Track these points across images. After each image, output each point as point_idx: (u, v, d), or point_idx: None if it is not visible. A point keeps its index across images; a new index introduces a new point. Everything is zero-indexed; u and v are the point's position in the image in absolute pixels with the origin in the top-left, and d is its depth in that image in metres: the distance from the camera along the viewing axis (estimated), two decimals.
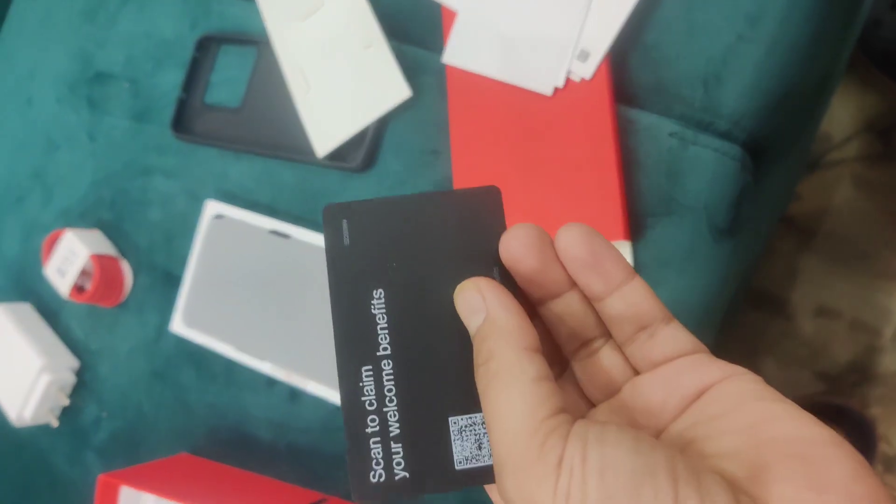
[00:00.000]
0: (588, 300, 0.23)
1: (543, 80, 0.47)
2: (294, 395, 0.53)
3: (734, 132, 0.47)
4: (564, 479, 0.17)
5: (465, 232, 0.23)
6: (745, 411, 0.19)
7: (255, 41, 0.59)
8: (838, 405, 0.78)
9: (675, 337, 0.22)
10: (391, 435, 0.22)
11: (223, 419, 0.56)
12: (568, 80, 0.47)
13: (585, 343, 0.24)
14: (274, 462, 0.54)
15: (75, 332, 0.62)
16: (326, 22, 0.55)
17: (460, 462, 0.22)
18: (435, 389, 0.22)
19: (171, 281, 0.59)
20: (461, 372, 0.22)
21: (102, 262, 0.59)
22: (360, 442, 0.22)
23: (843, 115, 0.83)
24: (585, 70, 0.47)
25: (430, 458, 0.22)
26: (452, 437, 0.22)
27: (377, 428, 0.22)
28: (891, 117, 0.81)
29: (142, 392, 0.59)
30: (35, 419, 0.59)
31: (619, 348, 0.23)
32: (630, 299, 0.22)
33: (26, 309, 0.63)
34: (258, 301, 0.54)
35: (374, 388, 0.22)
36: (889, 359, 0.79)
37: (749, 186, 0.47)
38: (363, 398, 0.22)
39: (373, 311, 0.23)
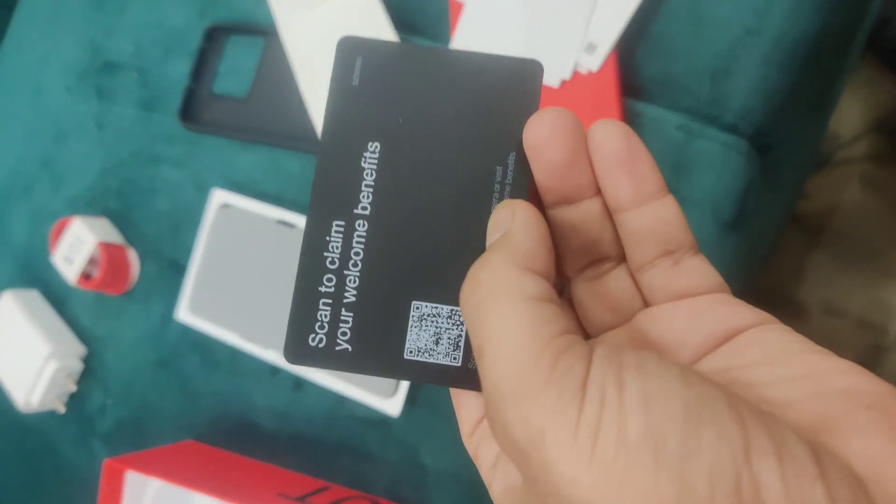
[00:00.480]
0: (609, 213, 0.20)
1: (551, 72, 0.47)
2: (298, 384, 0.54)
3: (741, 126, 0.47)
4: (592, 409, 0.14)
5: (489, 104, 0.20)
6: (797, 361, 0.17)
7: (263, 31, 0.59)
8: None
9: (702, 270, 0.19)
10: (345, 301, 0.20)
11: (227, 407, 0.56)
12: (575, 73, 0.47)
13: (594, 262, 0.21)
14: (277, 450, 0.54)
15: (82, 319, 0.63)
16: (335, 13, 0.55)
17: (411, 352, 0.19)
18: (406, 266, 0.20)
19: (177, 269, 0.59)
20: (441, 257, 0.20)
21: (109, 250, 0.59)
22: (309, 299, 0.20)
23: (851, 113, 0.82)
24: (593, 62, 0.47)
25: (380, 338, 0.20)
26: (410, 323, 0.20)
27: (332, 289, 0.20)
28: None
29: (147, 380, 0.59)
30: (42, 405, 0.60)
31: (632, 275, 0.20)
32: (660, 215, 0.19)
33: (34, 296, 0.64)
34: (264, 290, 0.54)
35: (341, 246, 0.20)
36: (895, 358, 0.79)
37: (755, 181, 0.47)
38: (326, 254, 0.20)
39: (363, 164, 0.20)
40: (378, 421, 0.51)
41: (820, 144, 0.78)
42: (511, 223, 0.18)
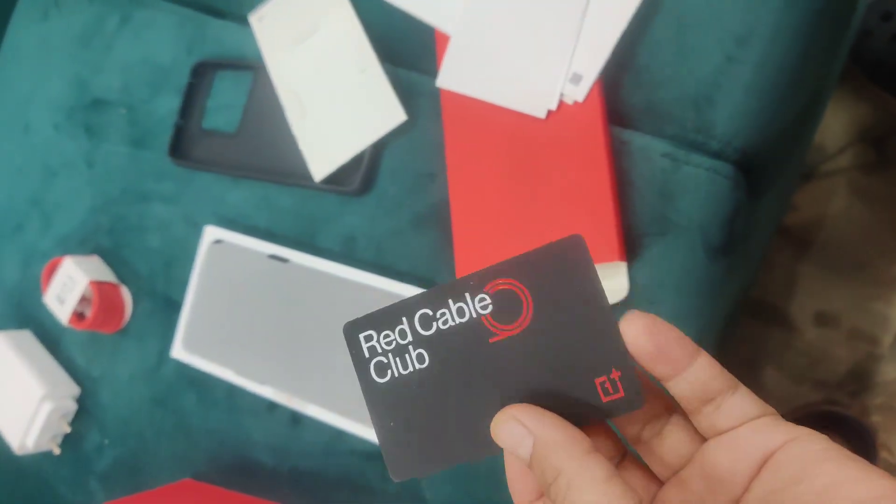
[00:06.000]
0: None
1: (537, 103, 0.48)
2: (295, 419, 0.54)
3: (726, 151, 0.47)
4: None
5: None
6: (817, 474, 0.20)
7: (250, 66, 0.59)
8: (838, 414, 0.78)
9: (740, 405, 0.22)
10: None
11: (225, 444, 0.56)
12: (561, 103, 0.48)
13: (649, 421, 0.24)
14: (277, 486, 0.54)
15: (76, 358, 0.63)
16: (321, 46, 0.56)
17: None
18: None
19: (171, 307, 0.59)
20: None
21: (102, 289, 0.59)
22: None
23: (835, 125, 0.83)
24: (578, 93, 0.47)
25: None
26: None
27: None
28: (883, 126, 0.82)
29: (143, 418, 0.59)
30: (37, 447, 0.59)
31: (686, 417, 0.23)
32: (694, 379, 0.22)
33: (27, 336, 0.64)
34: (258, 326, 0.54)
35: None
36: (888, 367, 0.80)
37: (742, 204, 0.48)
38: None
39: None
40: (377, 454, 0.51)
41: (805, 158, 0.79)
42: (530, 430, 0.21)
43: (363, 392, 0.24)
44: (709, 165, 0.46)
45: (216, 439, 0.56)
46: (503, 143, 0.49)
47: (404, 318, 0.24)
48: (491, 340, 0.23)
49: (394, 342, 0.24)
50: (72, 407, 0.61)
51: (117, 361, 0.61)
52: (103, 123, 0.66)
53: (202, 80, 0.61)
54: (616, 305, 0.46)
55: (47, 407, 0.59)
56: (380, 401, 0.24)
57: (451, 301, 0.24)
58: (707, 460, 0.22)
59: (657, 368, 0.22)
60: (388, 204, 0.53)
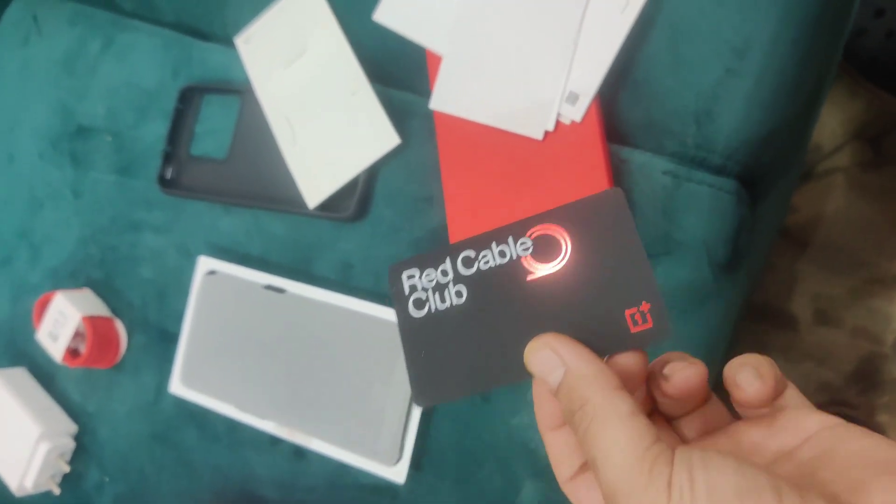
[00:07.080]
0: None
1: (533, 124, 0.47)
2: (299, 452, 0.52)
3: (728, 166, 0.46)
4: (675, 499, 0.19)
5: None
6: (842, 448, 0.21)
7: (238, 90, 0.58)
8: (845, 415, 0.78)
9: (789, 397, 0.23)
10: None
11: (228, 480, 0.55)
12: (558, 124, 0.46)
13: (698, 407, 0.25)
14: None
15: (72, 394, 0.61)
16: (310, 69, 0.54)
17: None
18: None
19: (166, 339, 0.58)
20: None
21: (95, 324, 0.57)
22: None
23: (832, 124, 0.82)
24: (575, 112, 0.46)
25: None
26: None
27: None
28: (879, 124, 0.81)
29: (143, 455, 0.58)
30: (36, 487, 0.58)
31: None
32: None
33: (21, 374, 0.62)
34: (257, 358, 0.53)
35: None
36: (893, 365, 0.79)
37: (746, 219, 0.47)
38: None
39: None
40: (383, 487, 0.50)
41: (804, 160, 0.78)
42: (563, 360, 0.22)
43: (399, 325, 0.26)
44: (711, 181, 0.45)
45: (219, 474, 0.55)
46: (500, 166, 0.48)
47: (448, 259, 0.26)
48: (528, 279, 0.24)
49: (434, 280, 0.26)
50: (70, 445, 0.60)
51: (114, 397, 0.59)
52: (89, 151, 0.64)
53: (189, 104, 0.60)
54: None
55: (45, 446, 0.57)
56: (414, 333, 0.25)
57: (494, 244, 0.25)
58: (736, 436, 0.23)
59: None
60: (385, 229, 0.52)
